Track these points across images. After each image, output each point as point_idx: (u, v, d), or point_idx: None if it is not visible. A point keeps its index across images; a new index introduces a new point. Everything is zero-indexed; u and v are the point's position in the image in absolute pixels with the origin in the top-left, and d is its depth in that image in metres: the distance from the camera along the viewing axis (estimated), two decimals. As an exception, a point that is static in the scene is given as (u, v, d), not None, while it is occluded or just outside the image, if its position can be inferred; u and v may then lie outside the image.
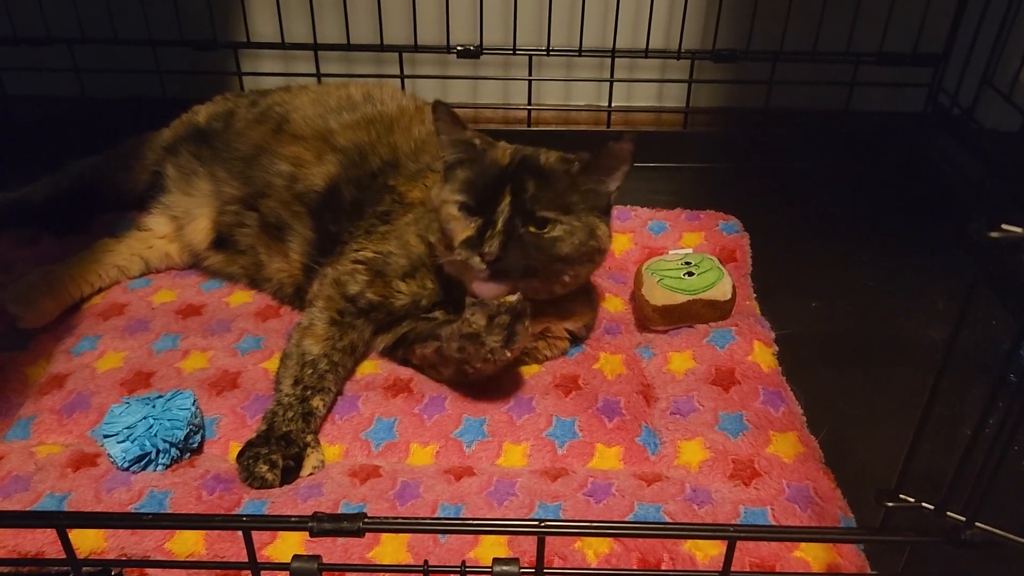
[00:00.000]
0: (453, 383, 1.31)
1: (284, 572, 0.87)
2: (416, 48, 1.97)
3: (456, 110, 1.28)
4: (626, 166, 1.26)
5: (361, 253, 1.36)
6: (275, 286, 1.51)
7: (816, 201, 1.90)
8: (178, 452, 1.18)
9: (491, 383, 1.31)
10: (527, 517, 1.10)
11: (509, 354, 1.21)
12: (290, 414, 1.21)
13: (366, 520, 0.85)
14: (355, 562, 1.03)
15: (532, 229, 1.22)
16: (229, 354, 1.39)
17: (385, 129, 1.50)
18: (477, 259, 1.21)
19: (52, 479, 1.14)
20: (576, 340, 1.41)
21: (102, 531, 1.04)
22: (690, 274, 1.42)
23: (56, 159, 1.70)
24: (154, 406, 1.19)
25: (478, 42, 1.97)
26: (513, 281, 1.22)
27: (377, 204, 1.42)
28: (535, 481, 1.16)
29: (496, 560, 0.87)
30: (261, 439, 1.18)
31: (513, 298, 1.18)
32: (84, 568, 0.97)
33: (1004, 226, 0.68)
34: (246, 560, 0.90)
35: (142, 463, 1.16)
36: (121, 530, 1.05)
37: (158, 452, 1.16)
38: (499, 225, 1.20)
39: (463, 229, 1.23)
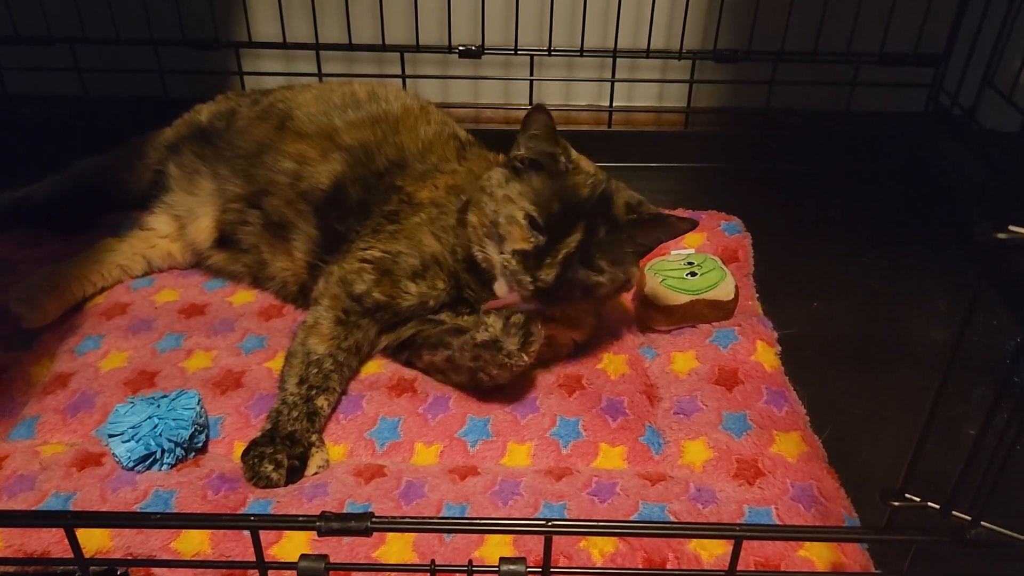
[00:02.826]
0: (465, 388, 1.31)
1: (291, 572, 0.87)
2: (418, 48, 1.97)
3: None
4: (672, 239, 1.32)
5: (368, 252, 1.36)
6: (278, 285, 1.51)
7: (817, 201, 1.91)
8: (183, 452, 1.18)
9: (495, 383, 1.31)
10: (532, 516, 1.10)
11: (527, 358, 1.22)
12: (295, 413, 1.21)
13: (374, 519, 0.85)
14: (361, 561, 1.03)
15: (584, 270, 1.24)
16: (233, 354, 1.39)
17: (391, 129, 1.50)
18: (528, 279, 1.21)
19: (57, 478, 1.14)
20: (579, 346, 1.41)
21: (108, 530, 1.04)
22: (693, 274, 1.43)
23: (58, 159, 1.70)
24: (159, 406, 1.19)
25: (480, 42, 1.97)
26: (547, 306, 1.23)
27: (384, 204, 1.41)
28: (539, 480, 1.16)
29: (503, 559, 0.87)
30: (266, 438, 1.18)
31: None
32: (91, 568, 0.97)
33: (1011, 227, 0.68)
34: (252, 559, 0.90)
35: (147, 463, 1.16)
36: (127, 529, 1.05)
37: (163, 452, 1.16)
38: (560, 256, 1.21)
39: (521, 238, 1.23)
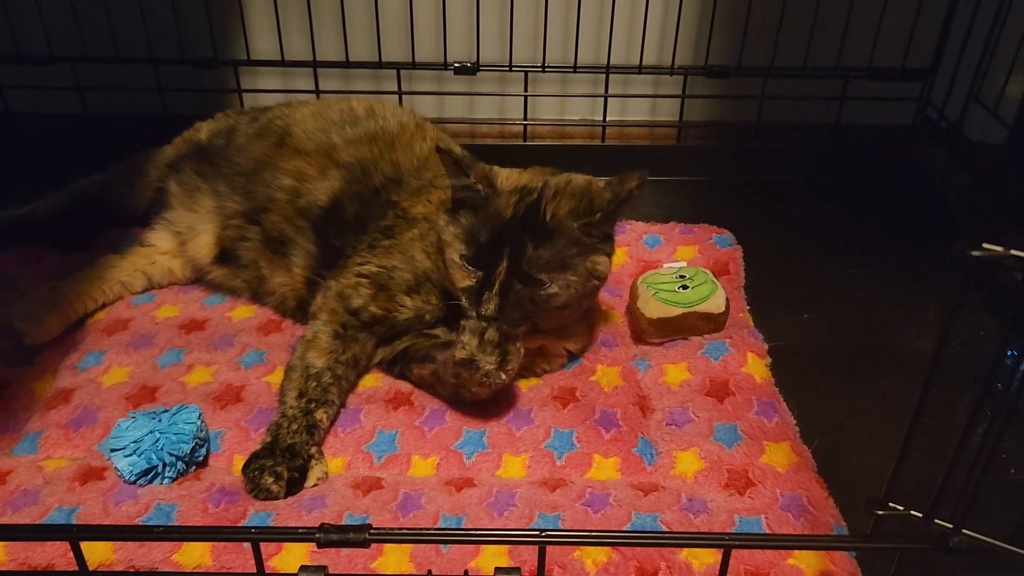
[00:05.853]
0: (451, 401, 1.33)
1: (291, 582, 0.89)
2: (414, 65, 2.00)
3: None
4: (633, 201, 1.26)
5: (365, 267, 1.38)
6: (277, 300, 1.53)
7: (808, 213, 1.93)
8: (184, 465, 1.20)
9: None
10: (527, 527, 1.12)
11: (504, 376, 1.23)
12: (294, 426, 1.23)
13: (372, 531, 0.87)
14: (359, 572, 1.05)
15: (528, 288, 1.24)
16: (232, 368, 1.41)
17: (387, 145, 1.52)
18: (474, 314, 1.24)
19: (60, 493, 1.16)
20: (573, 357, 1.43)
21: (111, 543, 1.06)
22: (684, 287, 1.45)
23: (59, 176, 1.71)
24: (160, 420, 1.21)
25: (475, 59, 2.00)
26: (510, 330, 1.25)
27: (380, 219, 1.44)
28: (534, 491, 1.18)
29: (498, 570, 0.89)
30: (266, 451, 1.20)
31: None
32: (94, 580, 0.99)
33: (985, 245, 0.71)
34: (253, 571, 0.92)
35: (149, 476, 1.18)
36: (130, 542, 1.06)
37: (164, 466, 1.18)
38: (496, 287, 1.23)
39: (464, 277, 1.26)
